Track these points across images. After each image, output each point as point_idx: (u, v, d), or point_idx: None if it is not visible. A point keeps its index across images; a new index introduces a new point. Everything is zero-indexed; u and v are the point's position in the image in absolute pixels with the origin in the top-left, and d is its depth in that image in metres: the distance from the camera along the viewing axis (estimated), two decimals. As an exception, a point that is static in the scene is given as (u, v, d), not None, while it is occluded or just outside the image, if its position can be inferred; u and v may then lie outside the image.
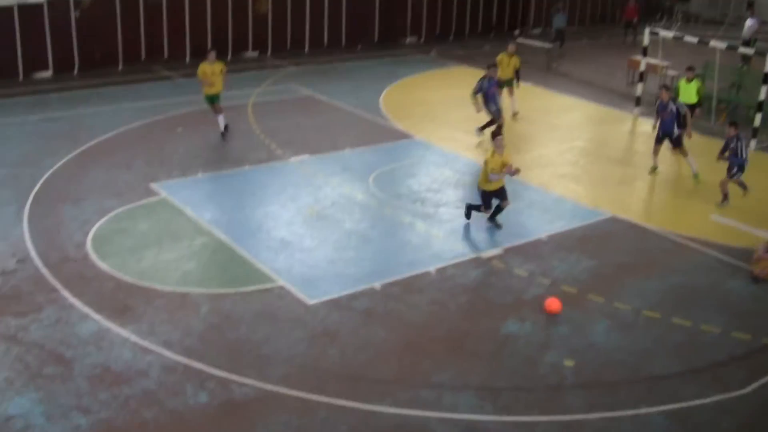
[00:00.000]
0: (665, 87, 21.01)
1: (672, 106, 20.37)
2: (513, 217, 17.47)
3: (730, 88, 26.86)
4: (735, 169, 18.46)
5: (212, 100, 22.16)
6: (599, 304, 14.15)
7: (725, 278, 15.43)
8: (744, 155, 18.43)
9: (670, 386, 11.96)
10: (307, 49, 34.69)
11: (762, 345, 13.18)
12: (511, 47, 25.30)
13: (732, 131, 18.41)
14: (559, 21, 36.84)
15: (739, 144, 18.35)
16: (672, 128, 20.45)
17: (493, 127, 20.68)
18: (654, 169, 20.86)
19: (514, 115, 25.26)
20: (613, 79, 31.13)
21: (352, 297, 14.09)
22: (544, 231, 17.03)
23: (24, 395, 11.12)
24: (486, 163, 16.56)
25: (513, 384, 11.88)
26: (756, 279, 15.26)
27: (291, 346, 12.56)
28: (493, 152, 16.47)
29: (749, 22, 33.48)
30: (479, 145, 22.28)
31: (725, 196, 18.59)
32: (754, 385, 12.07)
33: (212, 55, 21.93)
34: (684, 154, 20.71)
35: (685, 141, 20.66)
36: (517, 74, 25.04)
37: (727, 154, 18.56)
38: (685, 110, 20.64)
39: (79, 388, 11.31)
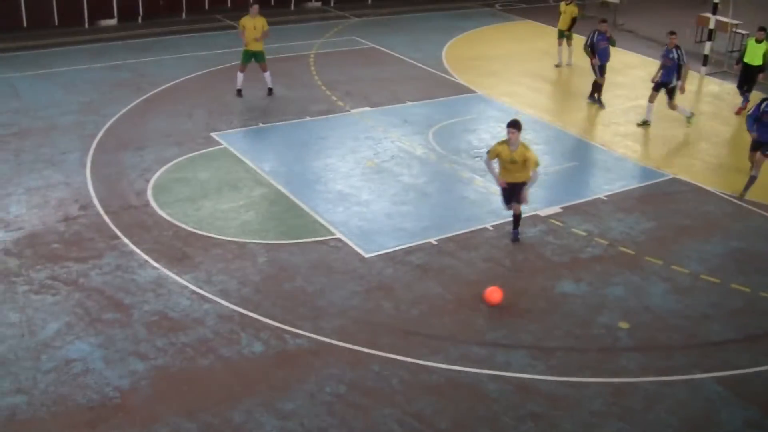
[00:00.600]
0: (673, 33, 20.54)
1: (674, 54, 20.01)
2: (573, 175, 17.31)
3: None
4: None
5: (249, 56, 21.07)
6: (657, 267, 13.99)
7: (788, 244, 15.16)
8: None
9: (725, 353, 11.81)
10: (370, 0, 34.52)
11: (823, 313, 12.95)
12: None
13: None
14: None
15: None
16: (671, 77, 20.15)
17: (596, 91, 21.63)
18: (644, 123, 20.70)
19: (559, 65, 25.80)
20: (680, 36, 30.15)
21: (408, 251, 14.11)
22: (603, 190, 16.85)
23: (84, 340, 11.38)
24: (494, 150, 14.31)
25: (566, 344, 11.85)
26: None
27: (346, 298, 12.66)
28: (503, 141, 14.22)
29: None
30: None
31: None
32: (813, 354, 11.89)
33: (254, 9, 20.73)
34: (673, 107, 20.50)
35: (677, 95, 20.59)
36: (573, 23, 24.92)
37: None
38: (685, 61, 20.26)
39: (137, 334, 11.55)
